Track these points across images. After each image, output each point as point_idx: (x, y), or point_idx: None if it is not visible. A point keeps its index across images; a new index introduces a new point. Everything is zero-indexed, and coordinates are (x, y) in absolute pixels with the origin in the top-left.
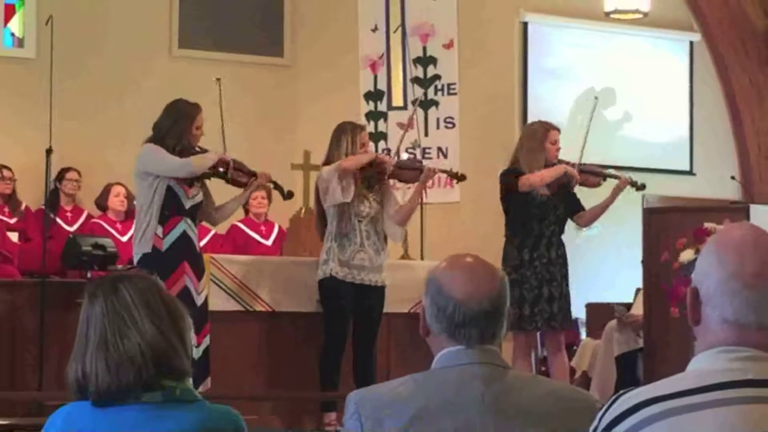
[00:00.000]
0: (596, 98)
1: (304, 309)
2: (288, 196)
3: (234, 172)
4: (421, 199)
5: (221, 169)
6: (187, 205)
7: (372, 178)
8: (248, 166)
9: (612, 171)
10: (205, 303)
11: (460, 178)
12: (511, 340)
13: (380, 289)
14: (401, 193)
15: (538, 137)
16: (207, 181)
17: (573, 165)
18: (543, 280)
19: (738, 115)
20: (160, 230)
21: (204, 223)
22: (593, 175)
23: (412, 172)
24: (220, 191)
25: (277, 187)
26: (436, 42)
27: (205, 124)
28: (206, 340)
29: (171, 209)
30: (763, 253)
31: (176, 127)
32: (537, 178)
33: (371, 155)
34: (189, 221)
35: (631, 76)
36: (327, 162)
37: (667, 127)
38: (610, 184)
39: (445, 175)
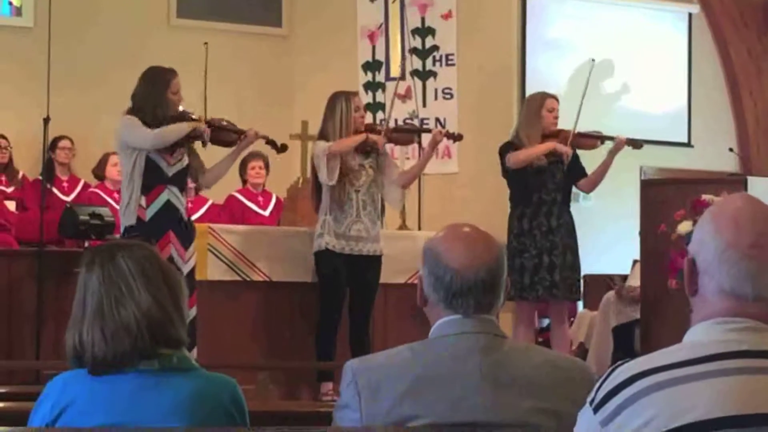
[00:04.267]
0: (593, 60)
1: (301, 279)
2: (282, 149)
3: (218, 133)
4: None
5: (198, 139)
6: (170, 172)
7: (368, 151)
8: (236, 125)
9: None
10: (192, 271)
11: (457, 137)
12: (512, 310)
13: (377, 258)
14: (399, 162)
15: (535, 106)
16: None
17: (569, 131)
18: (543, 248)
19: (736, 87)
20: (143, 200)
21: (192, 186)
22: (590, 138)
23: (407, 134)
24: (215, 153)
25: (269, 141)
26: (435, 12)
27: (206, 91)
28: (193, 311)
29: (153, 179)
30: (760, 224)
31: (152, 94)
32: (523, 156)
33: (361, 137)
34: (174, 189)
35: (629, 47)
36: (322, 132)
37: (665, 99)
38: (609, 147)
39: (449, 141)
